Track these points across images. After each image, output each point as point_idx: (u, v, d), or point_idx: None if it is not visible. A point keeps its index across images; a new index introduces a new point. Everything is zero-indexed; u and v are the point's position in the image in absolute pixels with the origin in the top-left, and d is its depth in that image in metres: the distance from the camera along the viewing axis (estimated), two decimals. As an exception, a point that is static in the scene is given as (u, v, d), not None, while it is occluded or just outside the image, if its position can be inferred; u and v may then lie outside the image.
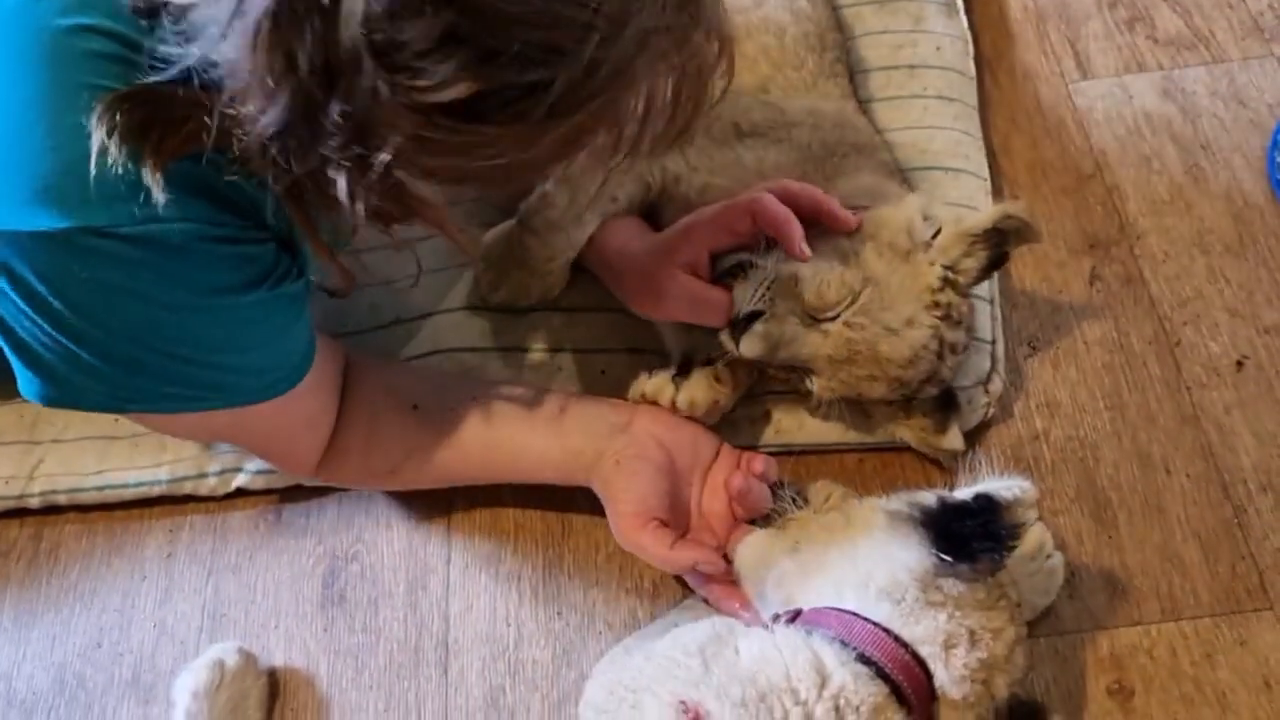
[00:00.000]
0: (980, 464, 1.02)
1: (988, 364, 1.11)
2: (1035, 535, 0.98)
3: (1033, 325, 1.17)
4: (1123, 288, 1.19)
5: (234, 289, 0.82)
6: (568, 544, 1.08)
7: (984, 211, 1.02)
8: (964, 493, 0.85)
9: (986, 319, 1.13)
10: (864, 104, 1.27)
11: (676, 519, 1.00)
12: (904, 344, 0.97)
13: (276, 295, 0.85)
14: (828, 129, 1.15)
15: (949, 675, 0.81)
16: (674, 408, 1.03)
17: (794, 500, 0.99)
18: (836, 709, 0.77)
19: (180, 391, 0.86)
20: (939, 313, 0.99)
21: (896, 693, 0.80)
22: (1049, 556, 0.98)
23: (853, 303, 0.97)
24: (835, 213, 1.01)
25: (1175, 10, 1.40)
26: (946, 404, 1.06)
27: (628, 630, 1.03)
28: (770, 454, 1.07)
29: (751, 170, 1.12)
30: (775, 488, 1.01)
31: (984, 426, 1.11)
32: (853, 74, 1.29)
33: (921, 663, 0.81)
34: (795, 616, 0.88)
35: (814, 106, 1.18)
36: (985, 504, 0.81)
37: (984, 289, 1.14)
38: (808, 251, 0.97)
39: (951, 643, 0.81)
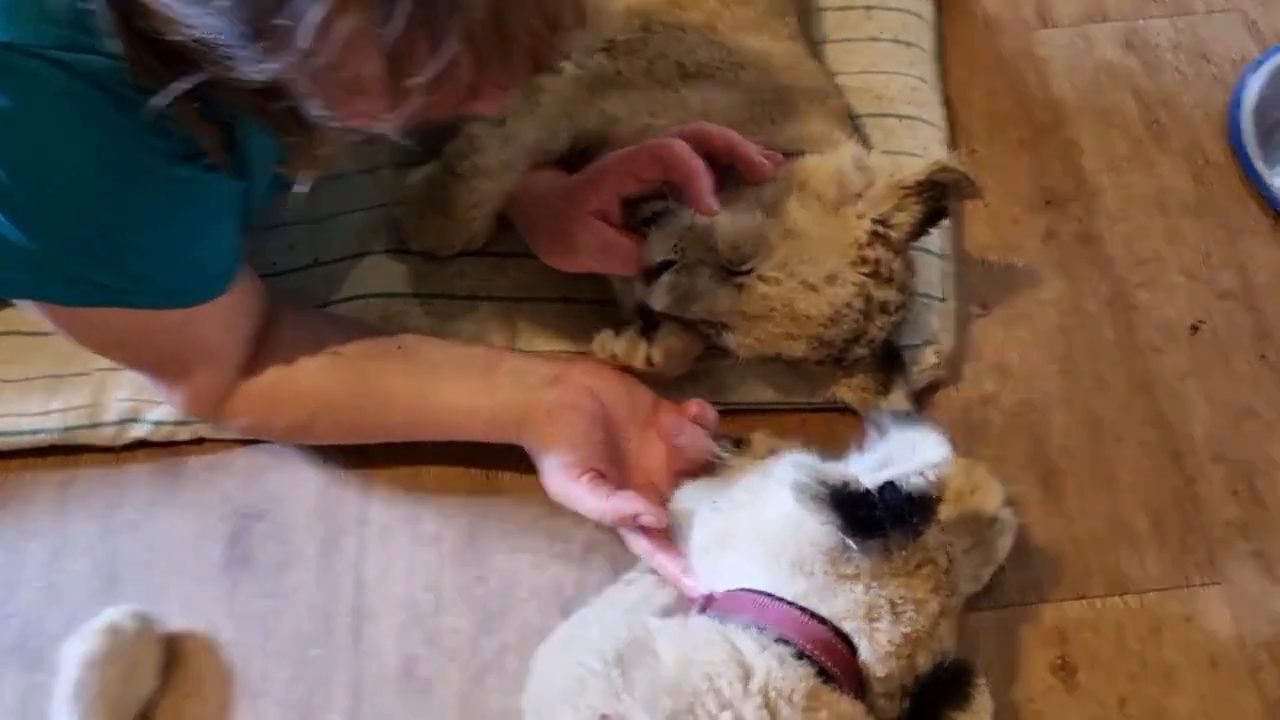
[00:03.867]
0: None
1: (936, 322, 1.07)
2: (991, 496, 0.94)
3: (985, 283, 1.14)
4: (1079, 246, 1.16)
5: (164, 156, 0.77)
6: (493, 505, 1.03)
7: (915, 162, 0.96)
8: (870, 473, 0.77)
9: (937, 275, 1.09)
10: (816, 45, 1.21)
11: (613, 472, 0.95)
12: (823, 301, 0.93)
13: (209, 181, 0.80)
14: (777, 72, 1.10)
15: (873, 651, 0.77)
16: (649, 364, 0.98)
17: (734, 448, 0.94)
18: (767, 703, 0.72)
19: (90, 275, 0.81)
20: (866, 269, 0.94)
21: (823, 673, 0.75)
22: (995, 522, 0.94)
23: (769, 256, 0.93)
24: (750, 159, 0.96)
25: (1141, -43, 1.40)
26: (890, 363, 1.02)
27: (554, 598, 0.98)
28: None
29: (696, 113, 1.05)
30: (716, 438, 0.97)
31: (932, 388, 1.07)
32: (805, 13, 1.22)
33: (845, 638, 0.77)
34: (708, 603, 0.83)
35: (764, 47, 1.12)
36: (891, 496, 0.74)
37: (936, 244, 1.10)
38: (714, 206, 0.92)
39: (873, 616, 0.77)
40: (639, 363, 0.99)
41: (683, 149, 0.93)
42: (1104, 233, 1.16)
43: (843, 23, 1.26)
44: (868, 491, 0.75)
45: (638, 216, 0.98)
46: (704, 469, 0.95)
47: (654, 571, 0.95)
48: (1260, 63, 1.23)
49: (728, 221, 0.93)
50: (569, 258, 1.00)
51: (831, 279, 0.93)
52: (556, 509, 0.98)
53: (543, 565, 1.00)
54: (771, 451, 0.95)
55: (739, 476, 0.90)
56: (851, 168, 0.97)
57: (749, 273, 0.93)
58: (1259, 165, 1.17)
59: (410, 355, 0.99)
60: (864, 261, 0.94)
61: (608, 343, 1.00)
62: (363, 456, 1.04)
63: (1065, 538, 1.00)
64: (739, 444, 0.95)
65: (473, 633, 0.97)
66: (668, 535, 0.94)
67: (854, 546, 0.76)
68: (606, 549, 1.00)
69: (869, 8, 1.26)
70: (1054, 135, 1.23)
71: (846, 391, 1.02)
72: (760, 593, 0.80)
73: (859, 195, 0.95)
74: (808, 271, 0.93)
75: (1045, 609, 0.98)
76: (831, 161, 0.97)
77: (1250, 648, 0.96)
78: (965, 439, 1.05)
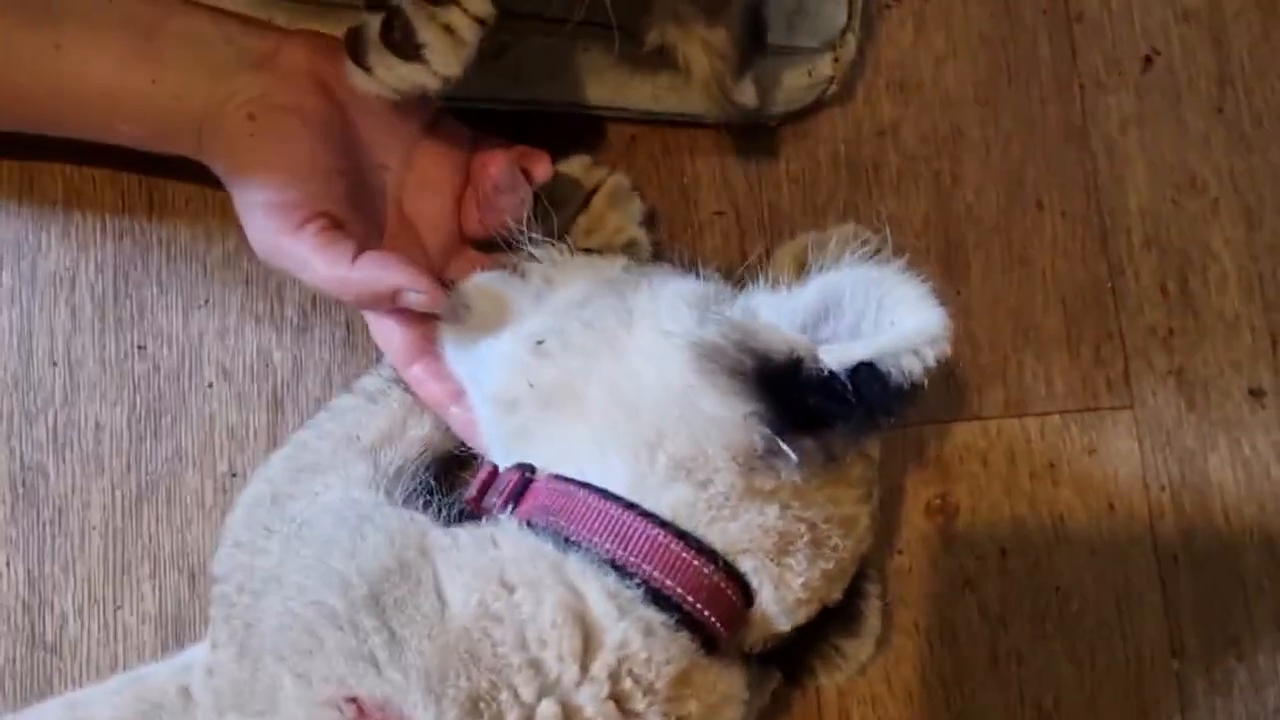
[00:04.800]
0: (798, 169, 0.83)
1: (844, 15, 0.83)
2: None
3: None
4: None
5: None
6: (156, 230, 0.76)
7: None
8: (836, 353, 0.56)
9: None
10: None
11: (356, 221, 0.69)
12: None
13: None
14: None
15: (779, 601, 0.59)
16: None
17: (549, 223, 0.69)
18: (614, 692, 0.53)
19: None
20: None
21: (703, 635, 0.56)
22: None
23: None
24: None
25: None
26: (752, 34, 0.77)
27: (256, 385, 0.73)
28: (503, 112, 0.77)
29: None
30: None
31: (814, 107, 0.87)
32: None
33: (738, 580, 0.58)
34: (521, 492, 0.60)
35: None
36: (872, 388, 0.55)
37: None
38: None
39: (786, 548, 0.58)
40: None
41: None
42: None
43: None
44: (832, 376, 0.54)
45: None
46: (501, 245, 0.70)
47: (404, 384, 0.72)
48: None
49: None
50: None
51: None
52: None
53: (235, 332, 0.75)
54: (602, 222, 0.73)
55: (566, 287, 0.66)
56: None
57: None
58: None
59: None
60: None
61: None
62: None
63: (963, 337, 0.86)
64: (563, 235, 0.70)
65: (128, 431, 0.74)
66: (430, 336, 0.70)
67: (788, 451, 0.55)
68: (335, 313, 0.77)
69: None
70: None
71: (696, 51, 0.77)
72: (614, 498, 0.58)
73: None
74: None
75: (930, 432, 0.85)
76: None
77: (1153, 490, 0.87)
78: (850, 182, 0.87)
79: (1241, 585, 0.86)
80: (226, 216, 0.75)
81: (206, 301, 0.74)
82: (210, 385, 0.73)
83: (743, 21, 0.76)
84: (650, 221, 0.81)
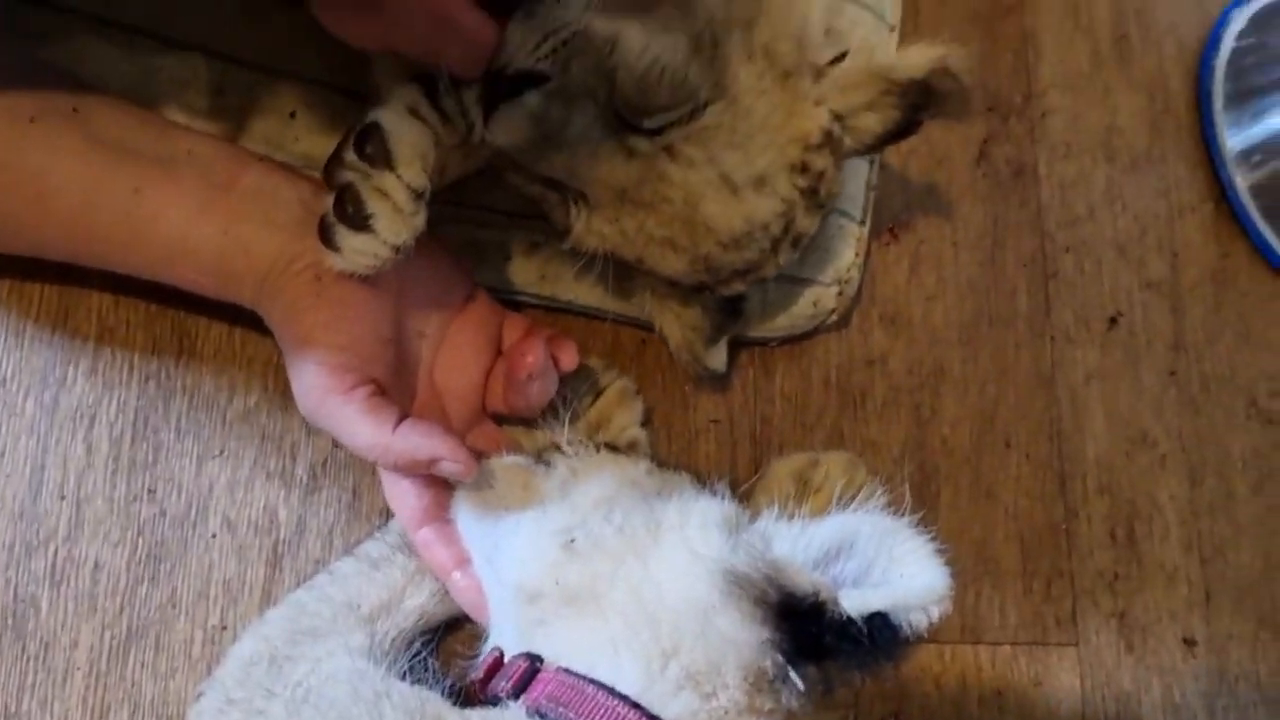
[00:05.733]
0: (791, 388, 0.87)
1: (852, 252, 0.88)
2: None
3: (900, 200, 0.96)
4: (1012, 180, 1.01)
5: None
6: (182, 376, 0.77)
7: (912, 52, 0.73)
8: (855, 599, 0.59)
9: (862, 187, 0.89)
10: None
11: (396, 386, 0.72)
12: (739, 211, 0.70)
13: None
14: None
15: None
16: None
17: (568, 412, 0.73)
18: None
19: None
20: (804, 181, 0.72)
21: None
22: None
23: (690, 118, 0.67)
24: None
25: None
26: (729, 309, 0.82)
27: (259, 539, 0.74)
28: (532, 307, 0.81)
29: None
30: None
31: (812, 331, 0.91)
32: None
33: None
34: (528, 681, 0.62)
35: None
36: (884, 635, 0.58)
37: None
38: None
39: None
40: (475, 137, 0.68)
41: None
42: (1042, 168, 1.02)
43: None
44: (850, 621, 0.57)
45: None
46: (521, 434, 0.75)
47: (408, 549, 0.74)
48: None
49: (639, 39, 0.66)
50: (366, 22, 0.67)
51: (760, 183, 0.70)
52: (280, 397, 0.76)
53: (247, 483, 0.76)
54: (622, 431, 0.76)
55: (592, 483, 0.68)
56: (819, 27, 0.73)
57: (653, 134, 0.67)
58: (1221, 133, 1.07)
59: (90, 126, 0.68)
60: (804, 170, 0.71)
61: (419, 104, 0.68)
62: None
63: (930, 564, 0.94)
64: (574, 413, 0.74)
65: (124, 575, 0.73)
66: (443, 502, 0.71)
67: (795, 679, 0.58)
68: (344, 477, 0.78)
69: None
70: (1013, 18, 1.06)
71: (669, 319, 0.82)
72: (622, 697, 0.59)
73: (819, 70, 0.72)
74: (733, 162, 0.69)
75: (890, 652, 0.91)
76: (796, 7, 0.72)
77: (1090, 727, 0.92)
78: (839, 405, 0.91)
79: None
80: (251, 370, 0.77)
81: (221, 452, 0.75)
82: (214, 535, 0.73)
83: (718, 300, 0.81)
84: (647, 420, 0.84)
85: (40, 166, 0.66)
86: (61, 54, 0.74)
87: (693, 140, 0.68)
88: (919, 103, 0.73)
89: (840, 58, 0.73)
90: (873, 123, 0.73)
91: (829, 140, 0.72)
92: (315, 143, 0.77)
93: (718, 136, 0.68)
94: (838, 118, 0.73)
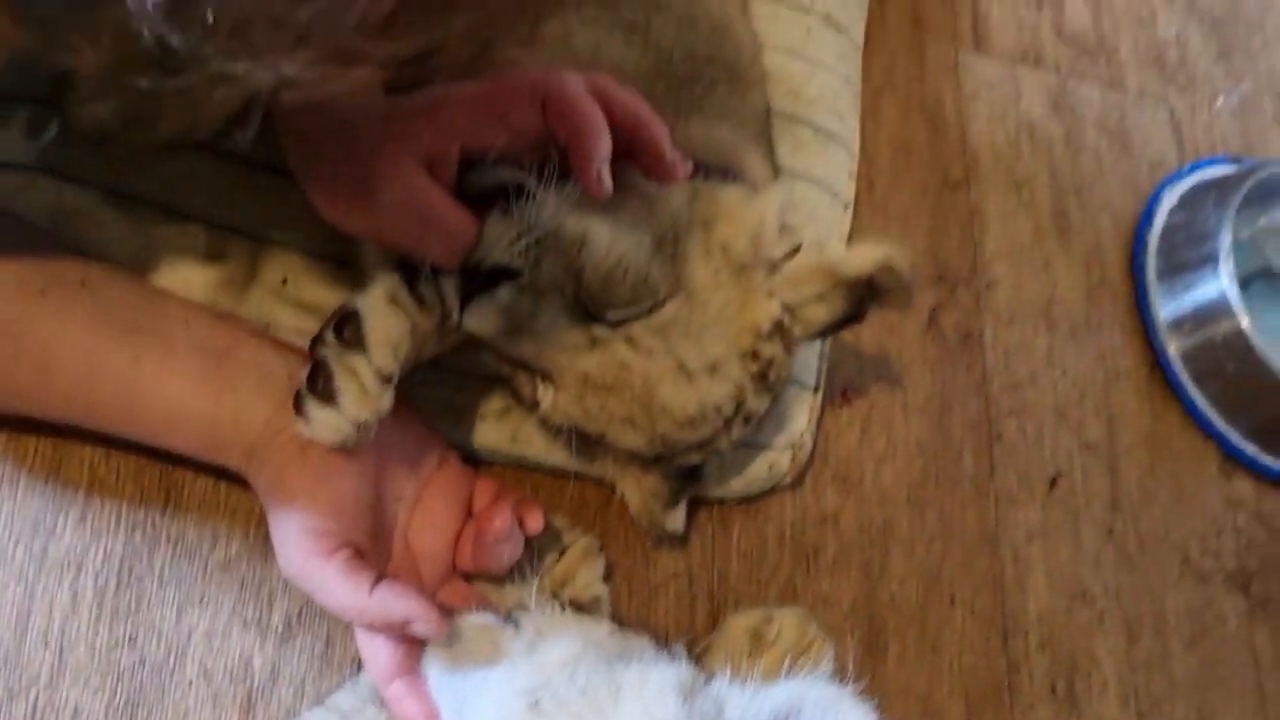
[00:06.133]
0: (748, 544, 0.91)
1: (805, 419, 0.93)
2: (821, 664, 0.85)
3: (853, 365, 1.02)
4: (959, 346, 1.07)
5: None
6: (167, 526, 0.79)
7: (859, 250, 0.80)
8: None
9: (815, 354, 0.95)
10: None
11: (373, 549, 0.75)
12: (693, 396, 0.76)
13: None
14: (703, 34, 0.90)
15: None
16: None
17: (535, 572, 0.77)
18: None
19: None
20: (755, 367, 0.78)
21: None
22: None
23: (650, 312, 0.74)
24: (660, 148, 0.74)
25: (1086, 3, 1.30)
26: (689, 474, 0.87)
27: (231, 687, 0.76)
28: (498, 464, 0.86)
29: (581, 59, 0.84)
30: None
31: (768, 491, 0.95)
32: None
33: None
34: None
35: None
36: None
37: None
38: (608, 183, 0.71)
39: None
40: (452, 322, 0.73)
41: (577, 88, 0.71)
42: (988, 336, 1.09)
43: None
44: None
45: (472, 185, 0.73)
46: (490, 589, 0.78)
47: (379, 701, 0.76)
48: (1178, 177, 1.21)
49: (606, 240, 0.73)
50: (358, 214, 0.73)
51: (713, 370, 0.76)
52: (261, 545, 0.78)
53: (224, 631, 0.78)
54: (586, 587, 0.79)
55: (557, 643, 0.71)
56: (775, 224, 0.79)
57: (613, 325, 0.74)
58: (1154, 303, 1.15)
59: (100, 299, 0.72)
60: (755, 358, 0.78)
61: (398, 292, 0.73)
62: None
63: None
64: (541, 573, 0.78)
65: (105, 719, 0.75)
66: (414, 656, 0.74)
67: None
68: (315, 624, 0.80)
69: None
70: (960, 194, 1.13)
71: (629, 483, 0.86)
72: None
73: (773, 264, 0.79)
74: (688, 351, 0.75)
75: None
76: (754, 207, 0.79)
77: None
78: (793, 561, 0.95)
79: None
80: (233, 519, 0.81)
81: (201, 600, 0.78)
82: (190, 683, 0.76)
83: (677, 469, 0.86)
84: (609, 575, 0.87)
85: (48, 338, 0.70)
86: (70, 226, 0.79)
87: (651, 331, 0.74)
88: (864, 296, 0.79)
89: (794, 252, 0.79)
90: (821, 314, 0.80)
91: (779, 330, 0.79)
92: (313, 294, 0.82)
93: (675, 328, 0.75)
94: (788, 309, 0.79)
